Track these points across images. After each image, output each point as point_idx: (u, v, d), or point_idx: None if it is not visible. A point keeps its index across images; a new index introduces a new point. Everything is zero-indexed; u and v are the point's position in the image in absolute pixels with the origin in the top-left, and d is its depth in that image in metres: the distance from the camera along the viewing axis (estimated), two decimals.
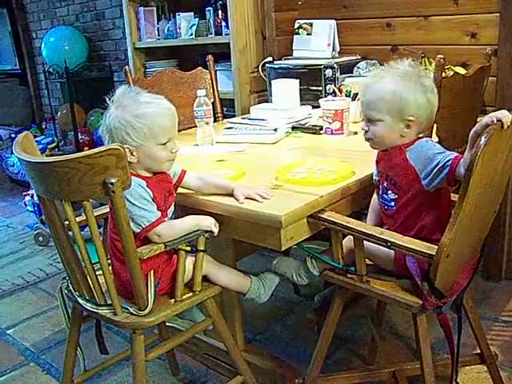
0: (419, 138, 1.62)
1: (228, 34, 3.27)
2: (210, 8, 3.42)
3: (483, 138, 1.30)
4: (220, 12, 3.36)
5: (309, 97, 2.88)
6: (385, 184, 1.68)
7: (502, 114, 1.35)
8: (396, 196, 1.64)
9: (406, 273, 1.59)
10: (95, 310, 1.62)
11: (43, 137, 5.39)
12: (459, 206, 1.36)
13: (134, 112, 1.56)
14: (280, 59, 3.19)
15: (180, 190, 1.75)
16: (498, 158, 1.42)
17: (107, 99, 1.61)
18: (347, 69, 2.87)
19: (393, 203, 1.66)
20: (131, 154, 1.56)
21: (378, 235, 1.53)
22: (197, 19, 3.54)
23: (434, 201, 1.59)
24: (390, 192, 1.66)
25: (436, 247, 1.42)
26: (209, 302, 1.75)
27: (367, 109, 1.64)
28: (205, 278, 1.75)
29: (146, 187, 1.58)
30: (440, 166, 1.50)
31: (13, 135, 5.35)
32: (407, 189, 1.61)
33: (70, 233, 1.54)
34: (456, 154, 1.50)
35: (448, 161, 1.49)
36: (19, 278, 3.27)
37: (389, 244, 1.51)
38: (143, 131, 1.56)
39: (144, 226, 1.55)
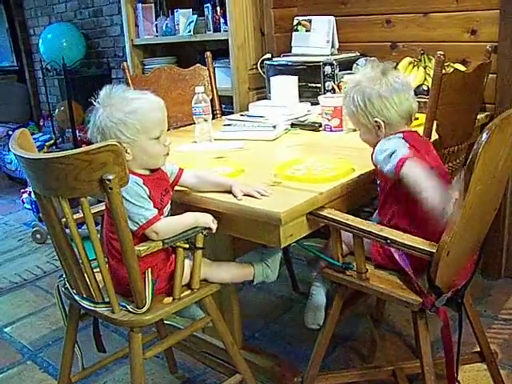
0: (397, 132, 1.68)
1: (226, 31, 3.25)
2: (208, 4, 3.40)
3: (484, 135, 1.28)
4: (218, 9, 3.34)
5: (308, 94, 2.87)
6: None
7: None
8: (378, 181, 1.75)
9: (382, 263, 1.69)
10: (93, 308, 1.61)
11: (41, 134, 5.37)
12: (460, 203, 1.35)
13: (124, 109, 1.54)
14: (279, 56, 3.17)
15: (177, 187, 1.74)
16: (499, 154, 1.41)
17: (92, 101, 1.59)
18: (346, 66, 2.86)
19: (378, 188, 1.76)
20: (126, 151, 1.55)
21: (377, 232, 1.52)
22: (195, 16, 3.52)
23: (401, 191, 1.62)
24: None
25: (436, 245, 1.41)
26: (207, 300, 1.74)
27: (350, 120, 1.84)
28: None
29: (143, 184, 1.56)
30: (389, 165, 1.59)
31: (10, 132, 5.32)
32: (379, 174, 1.70)
33: (68, 230, 1.53)
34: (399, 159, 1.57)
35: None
36: (16, 276, 3.25)
37: (388, 241, 1.50)
38: (136, 127, 1.54)
39: (141, 224, 1.54)
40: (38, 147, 1.63)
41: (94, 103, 1.58)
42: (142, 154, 1.59)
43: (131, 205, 1.52)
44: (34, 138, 4.83)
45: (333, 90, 2.72)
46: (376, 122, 1.67)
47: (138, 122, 1.55)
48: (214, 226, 1.62)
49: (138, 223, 1.54)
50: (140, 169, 1.61)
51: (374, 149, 1.70)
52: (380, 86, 1.65)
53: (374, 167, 1.76)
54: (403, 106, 1.67)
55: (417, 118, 1.85)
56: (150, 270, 1.60)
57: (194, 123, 2.34)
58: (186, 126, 2.71)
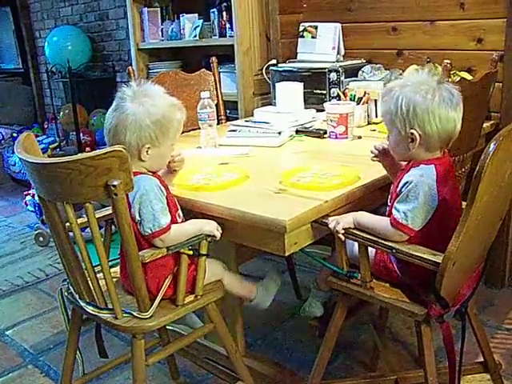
0: (431, 161, 1.56)
1: (232, 36, 3.26)
2: (214, 9, 3.40)
3: (492, 145, 1.28)
4: (224, 14, 3.34)
5: (313, 100, 2.87)
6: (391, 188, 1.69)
7: None
8: (391, 195, 1.67)
9: (383, 276, 1.66)
10: (96, 314, 1.60)
11: (45, 136, 5.38)
12: (466, 214, 1.34)
13: (159, 111, 1.56)
14: (284, 62, 3.17)
15: (181, 194, 1.74)
16: (506, 165, 1.40)
17: (122, 93, 1.57)
18: (352, 72, 2.86)
19: (389, 198, 1.68)
20: (146, 152, 1.57)
21: (383, 242, 1.52)
22: (201, 21, 3.53)
23: None
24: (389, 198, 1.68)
25: (442, 255, 1.41)
26: (210, 307, 1.74)
27: (382, 119, 1.65)
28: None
29: (161, 185, 1.58)
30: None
31: (14, 134, 5.34)
32: (393, 194, 1.63)
33: (71, 234, 1.52)
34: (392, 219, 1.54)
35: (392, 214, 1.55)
36: (19, 279, 3.25)
37: (394, 251, 1.50)
38: (169, 133, 1.59)
39: (153, 231, 1.53)
40: (41, 150, 1.64)
41: (122, 94, 1.57)
42: (159, 158, 1.61)
43: (149, 208, 1.52)
44: (38, 141, 4.83)
45: (338, 97, 2.72)
46: (412, 133, 1.52)
47: (171, 129, 1.59)
48: (218, 233, 1.61)
49: (151, 229, 1.53)
50: (144, 169, 1.61)
51: (406, 169, 1.60)
52: (432, 98, 1.48)
53: (371, 157, 1.77)
54: (447, 127, 1.51)
55: None
56: (170, 276, 1.62)
57: (199, 128, 2.33)
58: (190, 131, 2.71)
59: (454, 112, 1.51)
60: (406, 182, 1.54)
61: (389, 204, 1.67)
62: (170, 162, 1.71)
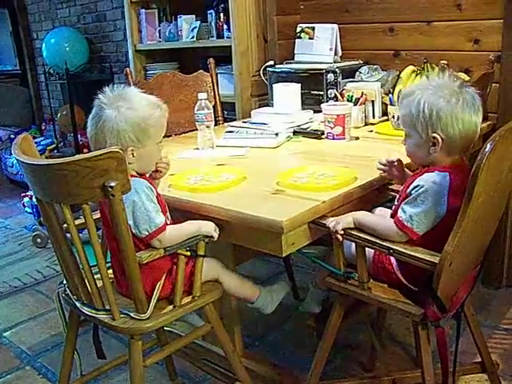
0: (446, 168, 1.54)
1: (229, 37, 3.26)
2: (211, 11, 3.41)
3: (489, 145, 1.28)
4: (222, 15, 3.35)
5: (310, 101, 2.87)
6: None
7: None
8: (398, 195, 1.67)
9: (381, 276, 1.66)
10: (93, 315, 1.60)
11: (42, 138, 5.38)
12: (463, 214, 1.34)
13: (138, 114, 1.55)
14: (281, 63, 3.17)
15: (178, 195, 1.74)
16: (502, 165, 1.41)
17: (97, 99, 1.58)
18: (349, 73, 2.86)
19: (396, 197, 1.70)
20: (132, 154, 1.56)
21: (380, 242, 1.52)
22: (198, 22, 3.53)
23: None
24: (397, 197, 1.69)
25: (439, 255, 1.41)
26: (208, 308, 1.74)
27: (400, 123, 1.64)
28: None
29: (152, 186, 1.58)
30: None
31: (12, 136, 5.33)
32: (402, 194, 1.62)
33: (68, 235, 1.52)
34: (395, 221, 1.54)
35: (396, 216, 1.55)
36: (16, 280, 3.24)
37: (391, 251, 1.50)
38: (149, 133, 1.57)
39: (151, 232, 1.53)
40: (39, 151, 1.65)
41: (98, 102, 1.57)
42: (146, 158, 1.61)
43: (142, 210, 1.52)
44: (36, 142, 4.83)
45: (335, 98, 2.72)
46: (434, 137, 1.50)
47: (152, 128, 1.58)
48: (215, 234, 1.61)
49: (147, 230, 1.53)
50: (133, 172, 1.60)
51: (419, 172, 1.58)
52: (456, 102, 1.47)
53: (379, 173, 1.78)
54: (470, 131, 1.50)
55: None
56: (164, 276, 1.62)
57: (197, 130, 2.33)
58: (188, 132, 2.71)
59: (476, 116, 1.50)
60: (417, 186, 1.53)
61: (395, 203, 1.67)
62: (156, 163, 1.70)
